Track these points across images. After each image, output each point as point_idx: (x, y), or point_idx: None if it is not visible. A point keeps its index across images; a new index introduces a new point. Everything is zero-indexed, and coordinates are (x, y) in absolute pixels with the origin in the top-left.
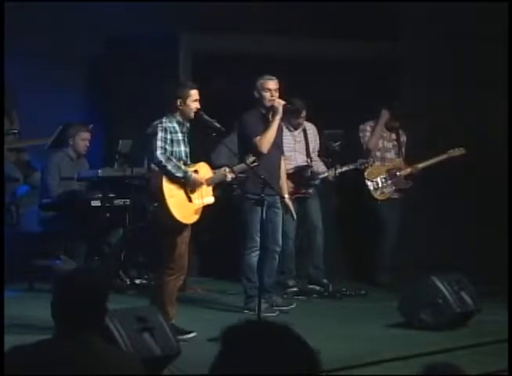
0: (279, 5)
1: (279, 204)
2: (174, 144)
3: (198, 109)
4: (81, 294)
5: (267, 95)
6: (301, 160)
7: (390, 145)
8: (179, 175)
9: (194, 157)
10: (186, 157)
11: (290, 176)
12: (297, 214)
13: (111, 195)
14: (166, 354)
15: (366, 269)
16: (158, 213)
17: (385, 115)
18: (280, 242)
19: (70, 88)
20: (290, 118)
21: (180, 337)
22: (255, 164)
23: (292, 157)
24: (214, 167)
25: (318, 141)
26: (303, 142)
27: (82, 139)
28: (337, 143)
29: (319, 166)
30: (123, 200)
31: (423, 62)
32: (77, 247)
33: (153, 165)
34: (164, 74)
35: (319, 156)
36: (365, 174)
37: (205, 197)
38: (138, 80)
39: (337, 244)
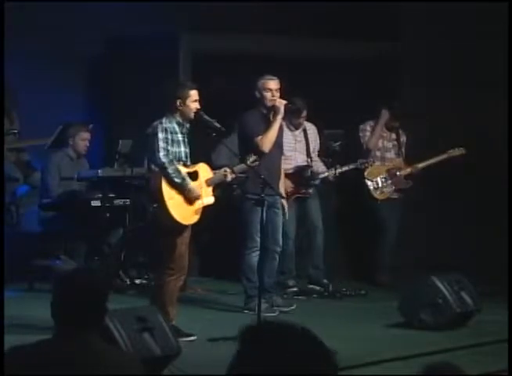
0: (279, 5)
1: (279, 204)
2: (174, 145)
3: (198, 109)
4: (81, 294)
5: (268, 95)
6: (301, 160)
7: (390, 145)
8: (178, 180)
9: (194, 158)
10: (186, 157)
11: (290, 176)
12: (297, 214)
13: (111, 195)
14: (166, 354)
15: (366, 269)
16: (158, 214)
17: (385, 115)
18: (281, 242)
19: (70, 88)
20: (291, 118)
21: (179, 339)
22: (256, 163)
23: (292, 157)
24: (214, 167)
25: (318, 141)
26: (303, 142)
27: (82, 139)
28: (337, 143)
29: (318, 166)
30: (123, 200)
31: (423, 62)
32: (77, 247)
33: (153, 166)
34: (164, 74)
35: (319, 156)
36: (365, 174)
37: (205, 197)
38: (138, 80)
39: (337, 244)
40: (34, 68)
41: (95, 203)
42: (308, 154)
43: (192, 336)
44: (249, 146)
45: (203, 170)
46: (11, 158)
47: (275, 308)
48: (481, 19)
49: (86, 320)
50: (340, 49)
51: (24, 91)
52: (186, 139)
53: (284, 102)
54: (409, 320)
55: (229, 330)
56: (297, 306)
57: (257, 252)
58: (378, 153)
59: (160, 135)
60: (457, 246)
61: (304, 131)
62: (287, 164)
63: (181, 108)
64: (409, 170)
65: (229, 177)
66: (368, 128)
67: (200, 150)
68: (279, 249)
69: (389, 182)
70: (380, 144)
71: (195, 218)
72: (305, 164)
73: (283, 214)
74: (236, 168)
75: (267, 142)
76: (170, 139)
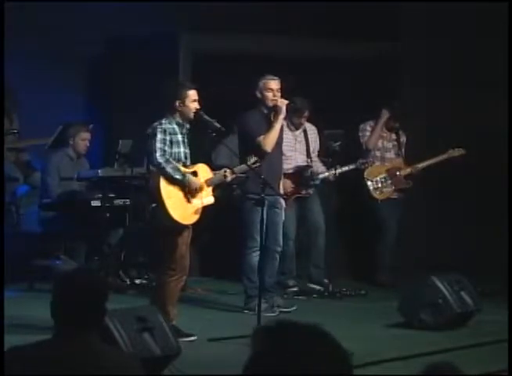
0: (279, 5)
1: (280, 204)
2: (174, 145)
3: (197, 109)
4: (80, 294)
5: (269, 95)
6: (301, 160)
7: (390, 145)
8: (178, 177)
9: (194, 158)
10: (186, 158)
11: (290, 176)
12: (297, 214)
13: (111, 195)
14: (166, 354)
15: (366, 269)
16: (156, 214)
17: (385, 115)
18: (281, 242)
19: (70, 88)
20: (293, 118)
21: (180, 339)
22: (257, 164)
23: (292, 157)
24: (214, 167)
25: (318, 142)
26: (303, 142)
27: (82, 139)
28: (337, 143)
29: (318, 167)
30: (123, 200)
31: (423, 62)
32: (77, 247)
33: (151, 166)
34: (163, 74)
35: (318, 156)
36: (365, 174)
37: (205, 197)
38: (138, 80)
39: (337, 244)
40: (34, 68)
41: (95, 203)
42: (308, 155)
43: (192, 336)
44: (250, 146)
45: (203, 170)
46: (11, 158)
47: (275, 308)
48: (481, 19)
49: (86, 320)
50: (340, 49)
51: (24, 91)
52: (186, 140)
53: (286, 101)
54: (409, 320)
55: (229, 330)
56: (297, 306)
57: (258, 252)
58: (378, 154)
59: (158, 136)
60: (457, 246)
61: (305, 131)
62: (287, 164)
63: (180, 108)
64: (408, 170)
65: (229, 177)
66: (368, 128)
67: (200, 149)
68: (279, 249)
69: (389, 182)
70: (380, 144)
71: (194, 218)
72: (305, 164)
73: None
74: (236, 169)
75: (269, 142)
76: (168, 140)
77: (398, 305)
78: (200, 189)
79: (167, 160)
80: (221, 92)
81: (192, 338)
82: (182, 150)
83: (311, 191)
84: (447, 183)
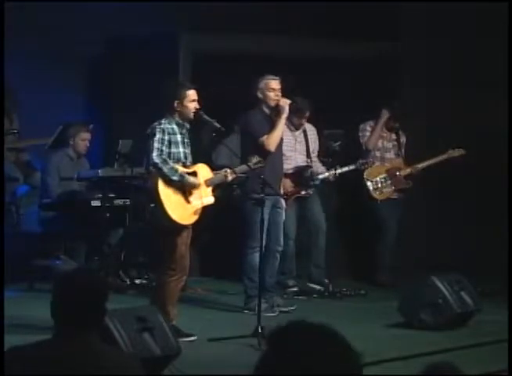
0: (279, 5)
1: (281, 204)
2: (173, 145)
3: (197, 109)
4: (80, 294)
5: (271, 94)
6: (301, 160)
7: (390, 145)
8: (175, 178)
9: (194, 158)
10: (185, 158)
11: (290, 176)
12: (297, 214)
13: (111, 195)
14: (166, 354)
15: (366, 269)
16: (156, 214)
17: (385, 115)
18: (282, 242)
19: (70, 88)
20: (293, 118)
21: (180, 339)
22: (260, 165)
23: (292, 157)
24: (214, 167)
25: (317, 143)
26: (303, 142)
27: (82, 140)
28: (337, 143)
29: (318, 167)
30: (123, 200)
31: (423, 62)
32: (77, 247)
33: (150, 167)
34: (163, 74)
35: (318, 156)
36: (365, 174)
37: (205, 197)
38: (138, 80)
39: (337, 244)
40: (34, 68)
41: (95, 203)
42: (308, 155)
43: (192, 336)
44: (253, 146)
45: (203, 170)
46: (11, 158)
47: (275, 308)
48: (481, 19)
49: (86, 320)
50: (340, 49)
51: (24, 91)
52: (186, 140)
53: (289, 101)
54: (409, 320)
55: (229, 330)
56: (297, 306)
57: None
58: (378, 154)
59: (157, 136)
60: (457, 246)
61: (304, 131)
62: (287, 165)
63: (179, 108)
64: (408, 170)
65: (230, 177)
66: (368, 128)
67: (200, 149)
68: (280, 249)
69: (389, 182)
70: (379, 144)
71: (193, 219)
72: (305, 164)
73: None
74: (237, 169)
75: (272, 141)
76: (167, 140)
77: (398, 305)
78: (200, 189)
79: (164, 161)
80: (221, 92)
81: (192, 338)
82: (181, 150)
83: (311, 191)
84: (447, 183)
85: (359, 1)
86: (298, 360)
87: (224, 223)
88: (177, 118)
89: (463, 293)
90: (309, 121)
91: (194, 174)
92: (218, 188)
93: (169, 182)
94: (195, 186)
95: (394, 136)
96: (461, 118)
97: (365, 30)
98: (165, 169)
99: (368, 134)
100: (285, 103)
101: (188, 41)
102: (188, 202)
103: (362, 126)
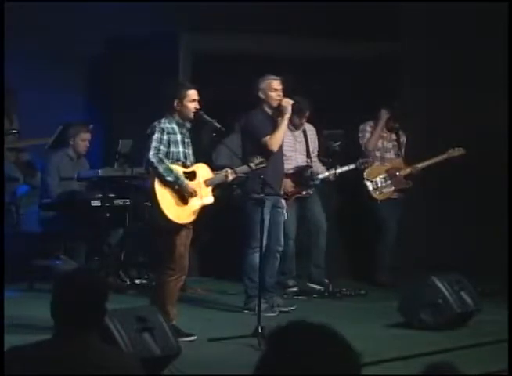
0: (279, 5)
1: (282, 204)
2: (172, 145)
3: (197, 109)
4: (80, 294)
5: (274, 95)
6: (301, 160)
7: (390, 145)
8: (170, 179)
9: (195, 158)
10: (185, 158)
11: (290, 176)
12: (297, 214)
13: (111, 195)
14: (166, 354)
15: (366, 269)
16: (152, 213)
17: (384, 116)
18: (282, 242)
19: (70, 88)
20: (293, 118)
21: (180, 339)
22: (262, 165)
23: (292, 157)
24: (214, 167)
25: (317, 143)
26: (303, 142)
27: (82, 140)
28: (337, 143)
29: (318, 167)
30: (123, 200)
31: (423, 62)
32: (77, 247)
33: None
34: (163, 74)
35: (318, 156)
36: (365, 174)
37: (204, 197)
38: (138, 80)
39: (337, 244)
40: (34, 68)
41: (95, 203)
42: (308, 155)
43: (192, 336)
44: (255, 146)
45: (202, 170)
46: (11, 158)
47: (275, 308)
48: (481, 19)
49: (86, 320)
50: (340, 49)
51: (24, 91)
52: (187, 140)
53: (292, 101)
54: (409, 320)
55: (229, 330)
56: (297, 306)
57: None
58: (378, 154)
59: (155, 135)
60: (457, 246)
61: (304, 131)
62: (287, 165)
63: (179, 108)
64: (408, 170)
65: (230, 177)
66: (368, 129)
67: (200, 149)
68: (281, 249)
69: (389, 182)
70: (379, 144)
71: (191, 218)
72: (305, 164)
73: (283, 213)
74: (238, 169)
75: (275, 142)
76: (166, 140)
77: (398, 305)
78: (197, 190)
79: (160, 160)
80: (221, 92)
81: (192, 338)
82: (181, 149)
83: (311, 191)
84: (447, 183)
85: (359, 1)
86: (298, 360)
87: (224, 223)
88: (177, 118)
89: (463, 293)
90: (309, 121)
91: (193, 174)
92: (218, 188)
93: (165, 181)
94: (189, 192)
95: (394, 136)
96: (461, 118)
97: (365, 30)
98: (160, 169)
99: (368, 135)
100: (288, 103)
101: (188, 41)
102: (185, 202)
103: (361, 127)
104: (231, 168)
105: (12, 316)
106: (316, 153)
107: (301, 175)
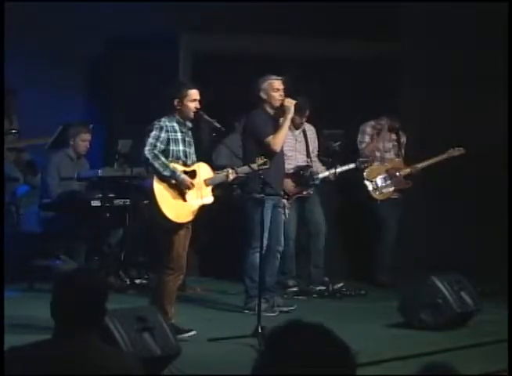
0: (279, 5)
1: (282, 204)
2: (171, 143)
3: (197, 109)
4: (80, 294)
5: (276, 95)
6: (301, 160)
7: (390, 145)
8: (166, 174)
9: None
10: (185, 156)
11: (290, 176)
12: (297, 214)
13: (111, 195)
14: (166, 354)
15: (366, 269)
16: (151, 212)
17: (386, 125)
18: (283, 242)
19: (70, 88)
20: (294, 117)
21: (180, 336)
22: (265, 166)
23: (293, 157)
24: (214, 167)
25: (317, 143)
26: (303, 142)
27: (83, 140)
28: (337, 143)
29: (318, 167)
30: (123, 200)
31: (423, 62)
32: (77, 247)
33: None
34: (163, 74)
35: (318, 156)
36: (365, 174)
37: (204, 196)
38: (138, 80)
39: (337, 244)
40: (34, 68)
41: (95, 203)
42: (308, 154)
43: (191, 331)
44: (257, 146)
45: (203, 170)
46: (11, 158)
47: (275, 308)
48: (481, 19)
49: (86, 320)
50: (340, 49)
51: (24, 91)
52: (188, 139)
53: (294, 101)
54: (409, 320)
55: (229, 330)
56: (297, 306)
57: (262, 252)
58: (378, 154)
59: (153, 133)
60: (457, 246)
61: (304, 131)
62: (288, 164)
63: (179, 107)
64: (408, 170)
65: (231, 177)
66: (368, 130)
67: (200, 149)
68: (281, 248)
69: (388, 182)
70: (380, 145)
71: (190, 217)
72: (305, 164)
73: (283, 213)
74: (239, 170)
75: (278, 142)
76: (164, 138)
77: (398, 305)
78: (200, 188)
79: (155, 156)
80: (221, 92)
81: (192, 333)
82: (181, 148)
83: (311, 191)
84: (447, 183)
85: (359, 1)
86: (295, 360)
87: (224, 223)
88: (177, 117)
89: (463, 293)
90: (309, 120)
91: (193, 173)
92: (218, 188)
93: (164, 180)
94: (186, 184)
95: (394, 136)
96: (461, 118)
97: (365, 30)
98: (156, 164)
99: (367, 138)
100: (291, 103)
101: (188, 41)
102: (184, 201)
103: (362, 127)
104: (232, 168)
105: (12, 316)
106: (316, 152)
107: (302, 175)
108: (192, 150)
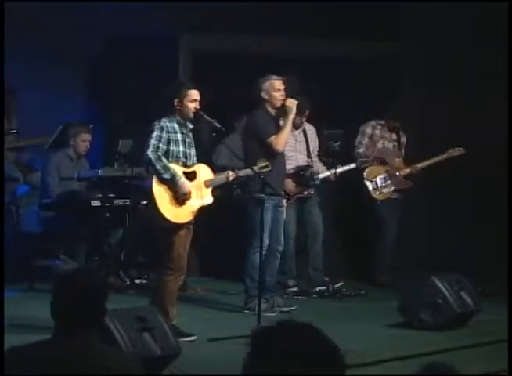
0: (279, 5)
1: (283, 204)
2: (172, 143)
3: (197, 109)
4: (80, 294)
5: (277, 95)
6: (301, 160)
7: (390, 145)
8: (166, 176)
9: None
10: (186, 157)
11: (291, 176)
12: (297, 214)
13: (111, 195)
14: (166, 354)
15: (366, 269)
16: (151, 213)
17: (386, 124)
18: (283, 242)
19: (70, 88)
20: (294, 117)
21: (180, 339)
22: (266, 169)
23: (293, 157)
24: (214, 167)
25: (317, 142)
26: (303, 142)
27: (83, 140)
28: (337, 143)
29: (318, 167)
30: (123, 200)
31: (423, 62)
32: (77, 247)
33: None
34: (164, 74)
35: (318, 156)
36: (365, 174)
37: (204, 197)
38: (138, 80)
39: (337, 244)
40: (34, 68)
41: (95, 203)
42: (309, 154)
43: (192, 336)
44: (259, 147)
45: (203, 171)
46: (11, 158)
47: (275, 308)
48: (481, 19)
49: (86, 320)
50: (340, 49)
51: (24, 91)
52: (188, 140)
53: (296, 101)
54: (409, 320)
55: (229, 330)
56: (297, 306)
57: (263, 252)
58: (378, 154)
59: (154, 133)
60: (457, 246)
61: (304, 131)
62: (288, 164)
63: (179, 107)
64: (408, 170)
65: (231, 178)
66: (368, 131)
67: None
68: (281, 248)
69: (388, 182)
70: (380, 145)
71: (189, 217)
72: (306, 164)
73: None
74: (241, 172)
75: (281, 142)
76: (165, 138)
77: (398, 305)
78: (193, 192)
79: (158, 158)
80: (221, 92)
81: (193, 338)
82: (181, 148)
83: (312, 191)
84: (447, 183)
85: (359, 1)
86: (283, 360)
87: (224, 223)
88: (178, 117)
89: (463, 293)
90: (309, 120)
91: (194, 174)
92: (218, 188)
93: (164, 182)
94: (185, 191)
95: (394, 136)
96: (461, 118)
97: (365, 30)
98: (158, 166)
99: (366, 140)
100: (292, 103)
101: (188, 41)
102: (182, 200)
103: (362, 128)
104: (233, 170)
105: (12, 316)
106: (316, 152)
107: (302, 175)
108: (193, 151)
